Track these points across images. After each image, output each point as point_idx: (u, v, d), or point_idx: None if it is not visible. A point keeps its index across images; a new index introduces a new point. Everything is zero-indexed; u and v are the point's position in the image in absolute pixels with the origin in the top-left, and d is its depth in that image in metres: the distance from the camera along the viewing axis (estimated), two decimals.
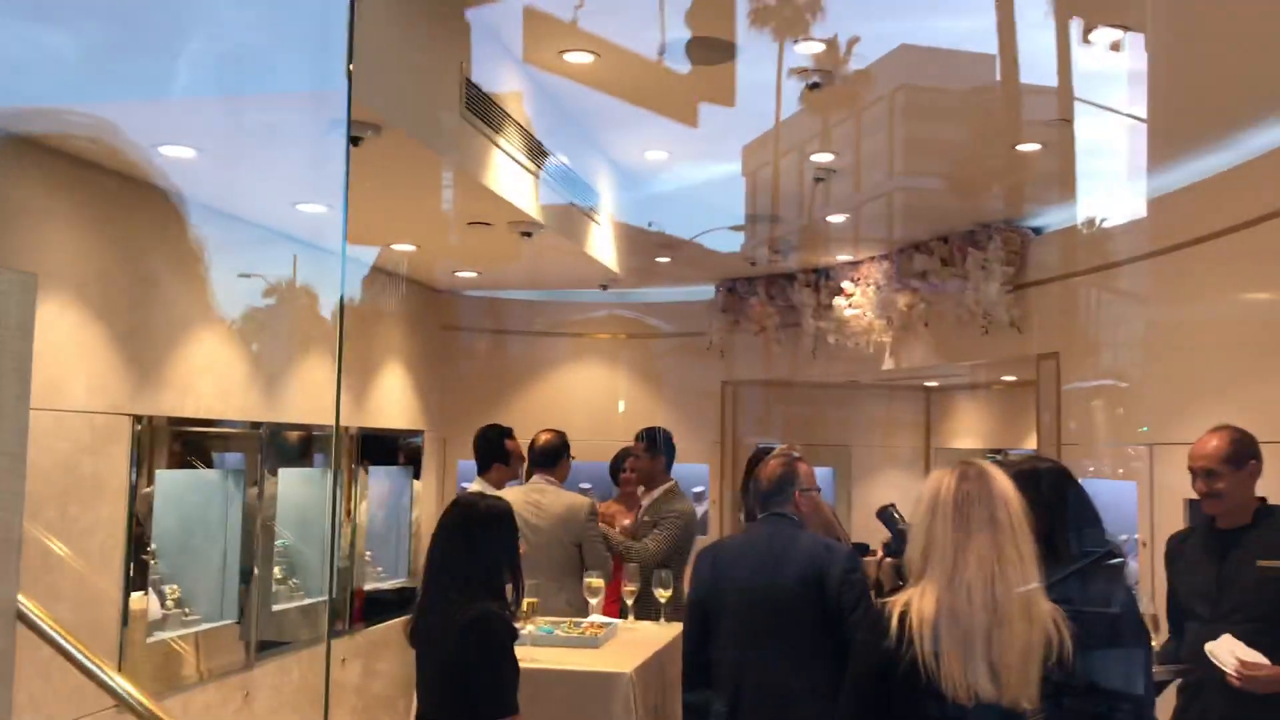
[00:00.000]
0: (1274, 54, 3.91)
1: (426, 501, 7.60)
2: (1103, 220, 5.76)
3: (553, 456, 5.44)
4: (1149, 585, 4.64)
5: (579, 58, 4.59)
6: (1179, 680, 3.65)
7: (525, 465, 5.69)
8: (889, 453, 9.29)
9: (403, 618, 6.90)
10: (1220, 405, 4.23)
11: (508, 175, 4.97)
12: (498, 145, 4.81)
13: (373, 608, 6.73)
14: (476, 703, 3.14)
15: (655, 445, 5.81)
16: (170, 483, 5.03)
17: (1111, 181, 5.57)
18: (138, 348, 4.67)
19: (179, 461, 4.99)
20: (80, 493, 4.32)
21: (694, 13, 4.17)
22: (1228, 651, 3.38)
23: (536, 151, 5.24)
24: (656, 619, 4.99)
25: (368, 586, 6.78)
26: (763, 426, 8.84)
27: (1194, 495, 3.70)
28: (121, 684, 2.38)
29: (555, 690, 4.03)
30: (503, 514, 3.39)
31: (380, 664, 6.73)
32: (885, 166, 5.73)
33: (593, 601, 4.91)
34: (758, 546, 3.70)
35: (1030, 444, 7.18)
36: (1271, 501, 3.66)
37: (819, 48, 4.38)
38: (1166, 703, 3.68)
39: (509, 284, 8.13)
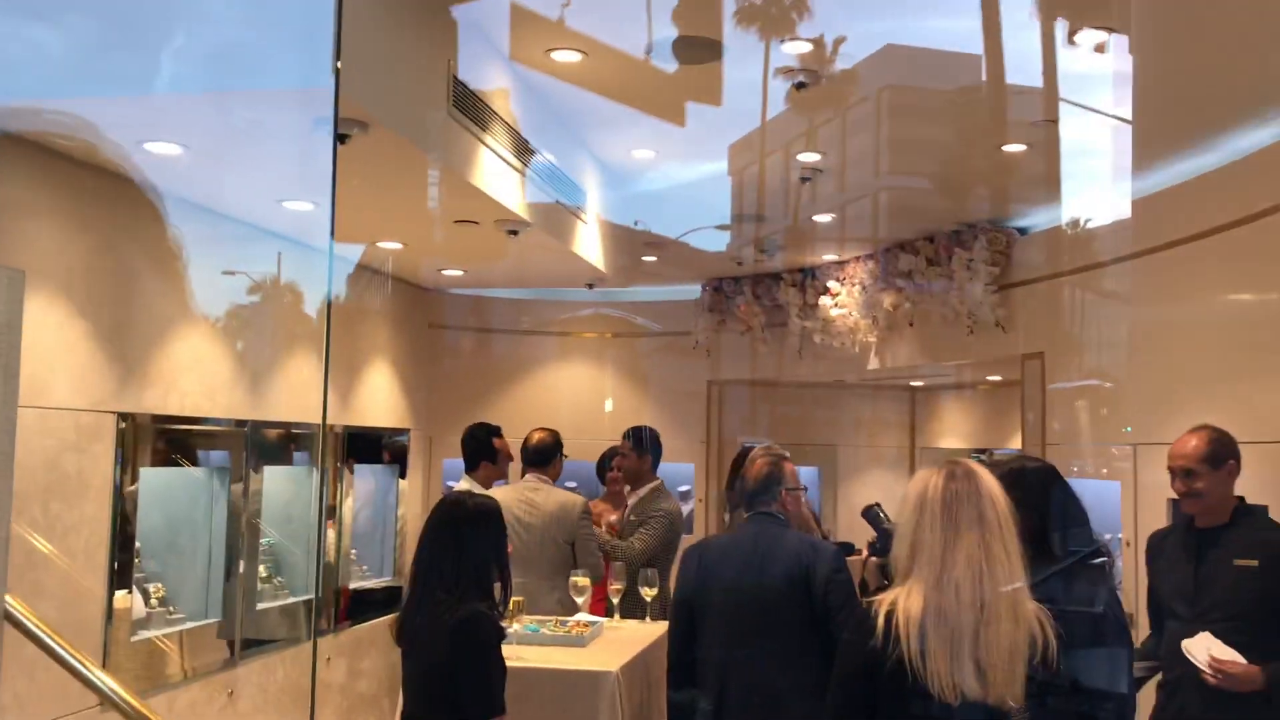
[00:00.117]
0: (1258, 56, 3.93)
1: (412, 500, 7.58)
2: (1088, 221, 5.79)
3: (546, 455, 5.45)
4: (1130, 584, 4.66)
5: (566, 56, 4.59)
6: (1160, 677, 3.67)
7: (512, 464, 5.69)
8: (874, 452, 9.31)
9: (388, 616, 6.90)
10: (1204, 405, 4.26)
11: (494, 173, 4.97)
12: (484, 143, 4.80)
13: (358, 606, 6.72)
14: (464, 703, 3.14)
15: (642, 444, 5.82)
16: (155, 481, 5.01)
17: (1096, 182, 5.59)
18: (122, 345, 4.65)
19: (163, 459, 4.97)
20: (64, 490, 4.30)
21: (681, 12, 4.17)
22: (1203, 649, 3.41)
23: (523, 149, 5.23)
24: (642, 618, 5.00)
25: (353, 585, 6.76)
26: (749, 426, 8.85)
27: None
28: (106, 682, 2.37)
29: (541, 689, 4.03)
30: (491, 512, 3.38)
31: (365, 663, 6.72)
32: (871, 166, 5.74)
33: (579, 600, 4.92)
34: (744, 545, 3.70)
35: (1015, 444, 7.21)
36: (1254, 500, 3.68)
37: (805, 47, 4.39)
38: (1148, 700, 3.70)
39: (495, 282, 8.12)
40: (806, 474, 7.76)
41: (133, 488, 4.69)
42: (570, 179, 5.97)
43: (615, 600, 5.04)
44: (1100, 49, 4.19)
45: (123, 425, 4.61)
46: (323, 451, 6.40)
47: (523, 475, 5.47)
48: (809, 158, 5.62)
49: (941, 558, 2.36)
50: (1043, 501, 2.85)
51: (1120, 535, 5.12)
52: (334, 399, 6.65)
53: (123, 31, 3.47)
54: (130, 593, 4.70)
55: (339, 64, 3.48)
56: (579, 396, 8.42)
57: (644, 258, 7.69)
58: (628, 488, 5.90)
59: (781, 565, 3.56)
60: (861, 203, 6.34)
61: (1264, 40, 3.82)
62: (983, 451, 7.88)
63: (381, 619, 6.82)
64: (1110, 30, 4.10)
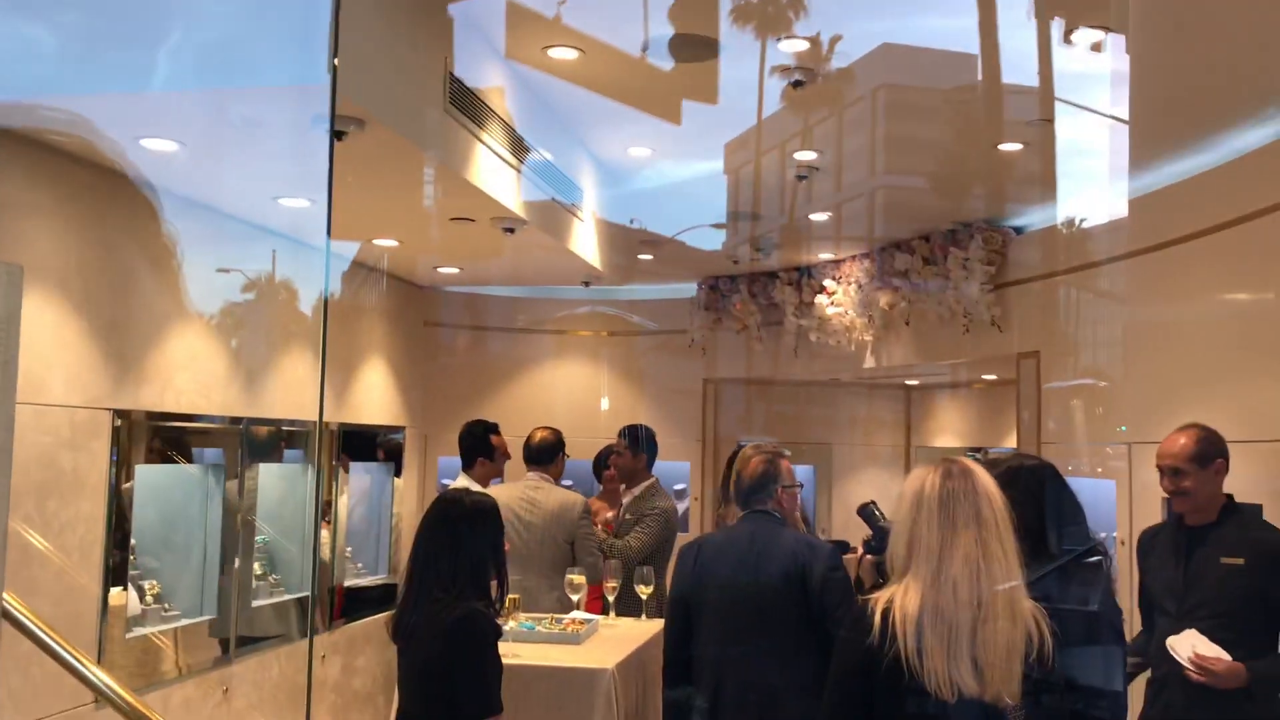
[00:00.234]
0: (1255, 56, 3.94)
1: (407, 498, 7.58)
2: (1083, 220, 5.80)
3: (548, 454, 5.45)
4: (1125, 583, 4.67)
5: (562, 54, 4.58)
6: (1149, 674, 3.69)
7: (509, 462, 5.69)
8: (870, 451, 9.32)
9: (383, 614, 6.91)
10: (1199, 405, 4.26)
11: (490, 171, 4.96)
12: (481, 141, 4.80)
13: (352, 604, 6.71)
14: (459, 700, 3.14)
15: (637, 443, 5.82)
16: (150, 478, 5.00)
17: (1092, 182, 5.60)
18: (118, 342, 4.64)
19: (159, 456, 4.97)
20: (60, 487, 4.29)
21: (677, 10, 4.17)
22: (1187, 646, 3.43)
23: (519, 147, 5.23)
24: (638, 615, 5.00)
25: (348, 583, 6.76)
26: (744, 424, 8.86)
27: None
28: (102, 678, 2.37)
29: (537, 687, 4.03)
30: (488, 510, 3.38)
31: (360, 660, 6.72)
32: (867, 165, 5.75)
33: (575, 598, 4.92)
34: (740, 543, 3.70)
35: (1010, 443, 7.22)
36: (1249, 499, 3.69)
37: (801, 46, 4.39)
38: (1139, 697, 3.71)
39: (491, 280, 8.11)
40: (802, 472, 7.74)
41: (128, 485, 4.68)
42: (566, 177, 5.97)
43: (611, 598, 5.04)
44: (1096, 48, 4.20)
45: (118, 422, 4.60)
46: (319, 449, 6.40)
47: (528, 473, 5.46)
48: (805, 156, 5.63)
49: (939, 556, 2.36)
50: (1039, 500, 2.85)
51: (1115, 534, 5.13)
52: (329, 396, 6.64)
53: (118, 28, 3.47)
54: (125, 589, 4.70)
55: (335, 61, 3.48)
56: (575, 394, 8.42)
57: (640, 256, 7.69)
58: (623, 486, 5.90)
59: (778, 563, 3.56)
60: (857, 201, 6.35)
61: (1260, 40, 3.83)
62: (978, 450, 7.89)
63: (376, 616, 6.82)
64: (1106, 30, 4.11)
